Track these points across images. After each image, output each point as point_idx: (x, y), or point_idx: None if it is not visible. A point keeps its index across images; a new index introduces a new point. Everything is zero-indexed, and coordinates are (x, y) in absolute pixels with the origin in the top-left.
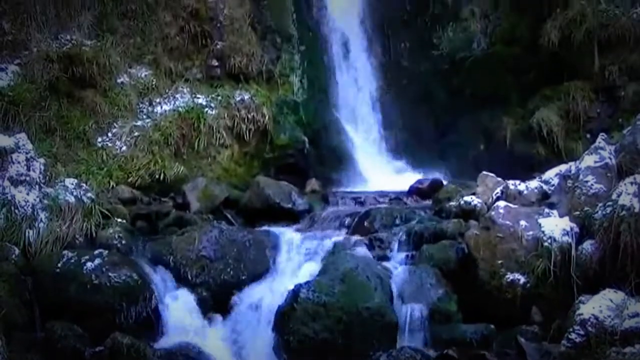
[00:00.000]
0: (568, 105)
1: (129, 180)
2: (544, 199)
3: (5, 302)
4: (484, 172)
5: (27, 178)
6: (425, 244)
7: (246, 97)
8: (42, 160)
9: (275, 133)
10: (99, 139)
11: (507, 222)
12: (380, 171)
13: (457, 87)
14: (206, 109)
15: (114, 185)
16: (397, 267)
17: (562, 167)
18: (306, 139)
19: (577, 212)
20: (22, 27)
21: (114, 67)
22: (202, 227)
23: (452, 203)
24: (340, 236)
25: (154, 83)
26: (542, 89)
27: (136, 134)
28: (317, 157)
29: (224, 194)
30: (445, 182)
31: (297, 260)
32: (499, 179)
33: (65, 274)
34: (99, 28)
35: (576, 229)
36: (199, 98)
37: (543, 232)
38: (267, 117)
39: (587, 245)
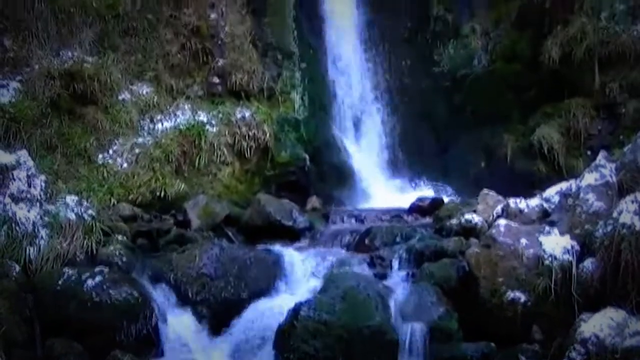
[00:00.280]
0: (569, 123)
1: (130, 197)
2: (544, 217)
3: (5, 319)
4: (485, 190)
5: (28, 195)
6: (426, 262)
7: (247, 114)
8: (43, 177)
9: (276, 150)
10: (100, 156)
11: (508, 240)
12: (381, 188)
13: (458, 104)
14: (207, 126)
15: (115, 203)
16: (398, 285)
17: (563, 185)
18: (307, 156)
19: (578, 230)
20: (23, 44)
21: (115, 84)
22: (203, 244)
23: (453, 221)
24: (341, 254)
25: (155, 100)
26: (542, 106)
27: (137, 151)
28: (318, 175)
29: (224, 211)
30: (446, 200)
31: (298, 278)
32: (500, 196)
33: (65, 292)
34: (100, 45)
35: (577, 247)
36: (200, 115)
37: (544, 250)
38: (268, 134)
39: (588, 263)
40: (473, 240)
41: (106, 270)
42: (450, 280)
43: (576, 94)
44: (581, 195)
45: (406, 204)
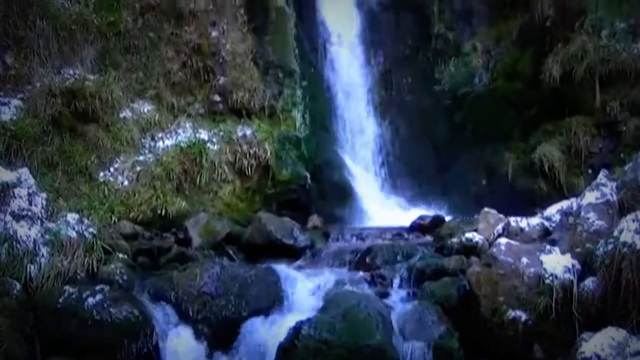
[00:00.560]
0: (570, 141)
1: (131, 215)
2: (545, 236)
3: (6, 336)
4: (486, 209)
5: (29, 213)
6: (427, 281)
7: (248, 132)
8: (44, 195)
9: (277, 168)
10: (101, 174)
11: (509, 259)
12: (382, 207)
13: (459, 122)
14: (208, 144)
15: (116, 221)
16: (399, 303)
17: (564, 204)
18: (308, 175)
19: (579, 249)
20: (25, 62)
21: (117, 101)
22: (204, 263)
23: (454, 239)
24: (341, 273)
25: (156, 118)
26: (543, 124)
27: (138, 169)
28: (319, 193)
29: (225, 229)
30: (447, 218)
31: (298, 296)
32: (501, 215)
33: (66, 310)
34: (101, 63)
35: (578, 266)
36: (201, 133)
37: (544, 269)
38: (269, 153)
39: (589, 282)
40: (474, 259)
41: (107, 288)
42: (451, 299)
43: (577, 112)
44: (582, 213)
45: (407, 222)
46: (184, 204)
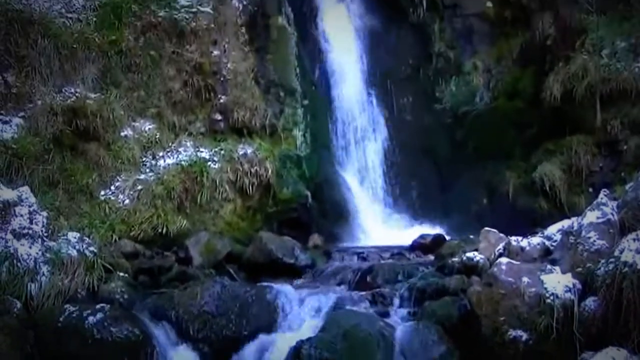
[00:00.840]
0: (570, 160)
1: (132, 234)
2: (546, 255)
3: (6, 355)
4: (487, 228)
5: (30, 231)
6: (428, 300)
7: (249, 151)
8: (44, 213)
9: (278, 187)
10: (102, 192)
11: (510, 279)
12: (383, 226)
13: (460, 141)
14: (209, 163)
15: (117, 239)
16: (400, 323)
17: (565, 223)
18: (309, 193)
19: (580, 269)
20: (26, 80)
21: (118, 120)
22: (205, 282)
23: (455, 259)
24: (342, 292)
25: (157, 136)
26: (544, 143)
27: (139, 187)
28: (319, 212)
29: (226, 248)
30: (447, 237)
31: (299, 316)
32: (502, 234)
33: (66, 328)
34: (103, 81)
35: (579, 286)
36: (202, 152)
37: (545, 288)
38: (270, 171)
39: (590, 302)
40: (475, 278)
41: (107, 307)
42: (451, 319)
43: (578, 131)
44: (583, 233)
45: (408, 241)
46: (184, 222)
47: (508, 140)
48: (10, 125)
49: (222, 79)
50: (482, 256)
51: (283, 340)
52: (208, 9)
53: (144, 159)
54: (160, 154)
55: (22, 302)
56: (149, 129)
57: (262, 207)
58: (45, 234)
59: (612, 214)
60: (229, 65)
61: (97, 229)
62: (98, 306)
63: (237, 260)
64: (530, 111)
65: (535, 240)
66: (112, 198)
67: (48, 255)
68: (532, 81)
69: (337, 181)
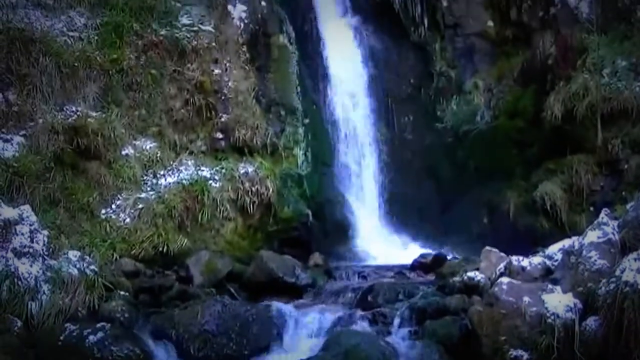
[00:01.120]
0: (571, 179)
1: (133, 252)
2: (547, 275)
3: None
4: (488, 248)
5: (31, 250)
6: (429, 320)
7: (250, 169)
8: (45, 232)
9: (279, 206)
10: (103, 211)
11: (511, 299)
12: (383, 245)
13: (461, 160)
14: (210, 182)
15: (118, 258)
16: (400, 342)
17: (566, 242)
18: (310, 212)
19: (581, 288)
20: (27, 99)
21: (119, 139)
22: (205, 301)
23: (456, 278)
24: (343, 311)
25: (158, 155)
26: (545, 162)
27: (140, 206)
28: (320, 231)
29: (227, 267)
30: (448, 257)
31: (300, 335)
32: (502, 254)
33: (67, 347)
34: (104, 100)
35: (580, 305)
36: (203, 170)
37: (546, 308)
38: (271, 190)
39: (591, 321)
40: (476, 298)
41: (108, 326)
42: (452, 338)
43: (579, 150)
44: (584, 253)
45: (409, 261)
46: (185, 241)
47: (509, 160)
48: (12, 144)
49: (223, 97)
50: (483, 276)
51: None
52: (209, 28)
53: (144, 178)
54: (161, 172)
55: (22, 320)
56: (150, 147)
57: (263, 226)
58: (46, 253)
59: (613, 233)
60: (230, 84)
61: (98, 247)
62: (99, 325)
63: (238, 279)
64: (531, 130)
65: (536, 259)
66: (113, 217)
67: (49, 273)
68: (533, 100)
69: (338, 200)
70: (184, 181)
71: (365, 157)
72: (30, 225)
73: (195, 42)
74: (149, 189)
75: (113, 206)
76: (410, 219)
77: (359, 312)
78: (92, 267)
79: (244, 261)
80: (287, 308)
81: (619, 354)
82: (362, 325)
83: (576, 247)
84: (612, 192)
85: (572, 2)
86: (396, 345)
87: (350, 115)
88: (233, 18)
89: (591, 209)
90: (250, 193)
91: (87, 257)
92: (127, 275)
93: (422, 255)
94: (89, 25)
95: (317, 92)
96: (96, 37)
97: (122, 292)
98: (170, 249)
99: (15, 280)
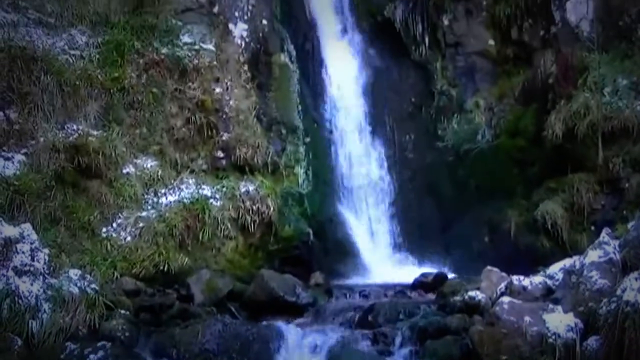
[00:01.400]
0: (572, 198)
1: (133, 271)
2: (548, 294)
3: None
4: (489, 267)
5: (31, 268)
6: (429, 339)
7: (251, 188)
8: (46, 250)
9: (280, 225)
10: (104, 230)
11: (512, 318)
12: (384, 263)
13: (462, 179)
14: (211, 200)
15: (118, 276)
16: None
17: (567, 262)
18: (311, 231)
19: (582, 308)
20: (29, 117)
21: (120, 157)
22: (206, 320)
23: (457, 298)
24: (344, 331)
25: (159, 174)
26: (546, 181)
27: (141, 224)
28: (321, 249)
29: (227, 286)
30: (449, 276)
31: (301, 355)
32: (503, 274)
33: None
34: (105, 118)
35: (581, 325)
36: (204, 189)
37: (547, 328)
38: (272, 209)
39: (592, 341)
40: (477, 317)
41: (109, 345)
42: (453, 358)
43: (580, 169)
44: (585, 272)
45: (410, 279)
46: (186, 260)
47: (510, 178)
48: (13, 162)
49: (224, 116)
50: (483, 295)
51: None
52: (210, 47)
53: (145, 196)
54: (162, 191)
55: (23, 339)
56: (151, 166)
57: (264, 244)
58: (47, 271)
59: (614, 253)
60: (231, 103)
61: (99, 266)
62: (99, 344)
63: (238, 298)
64: (532, 149)
65: (537, 279)
66: (114, 235)
67: (49, 292)
68: (534, 119)
69: (339, 219)
70: (184, 200)
71: (367, 175)
72: (31, 243)
73: (197, 61)
74: (149, 207)
75: (114, 225)
76: (411, 238)
77: (360, 332)
78: (93, 285)
79: (245, 280)
80: (288, 327)
81: None
82: (363, 345)
83: (577, 267)
84: (613, 211)
85: (572, 21)
86: None
87: (351, 134)
88: (234, 37)
89: (592, 228)
90: (251, 212)
91: (88, 276)
92: (128, 293)
93: (423, 275)
94: (91, 43)
95: (318, 110)
96: (97, 56)
97: (122, 311)
98: (171, 268)
99: (16, 298)
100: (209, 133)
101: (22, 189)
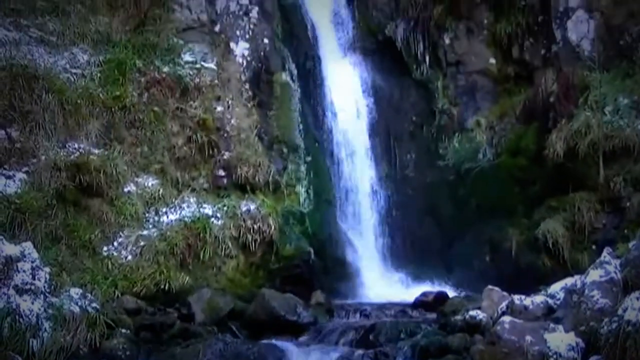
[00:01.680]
0: (573, 217)
1: (134, 290)
2: (549, 314)
3: None
4: (489, 286)
5: (32, 287)
6: (431, 359)
7: (252, 207)
8: (47, 269)
9: (281, 244)
10: (105, 248)
11: (513, 337)
12: (385, 282)
13: (463, 198)
14: (212, 219)
15: (119, 295)
16: None
17: (568, 281)
18: (312, 250)
19: (583, 327)
20: (30, 135)
21: (121, 176)
22: (207, 339)
23: (458, 317)
24: (345, 350)
25: (160, 192)
26: (547, 199)
27: (142, 243)
28: (322, 268)
29: (228, 305)
30: (450, 294)
31: None
32: (505, 293)
33: None
34: (106, 137)
35: (582, 345)
36: (205, 208)
37: (549, 347)
38: (273, 228)
39: None
40: (478, 336)
41: None
42: None
43: (581, 187)
44: (586, 291)
45: (411, 298)
46: (187, 279)
47: (511, 197)
48: (14, 180)
49: (225, 135)
50: (485, 314)
51: None
52: (212, 65)
53: (146, 215)
54: (163, 209)
55: (23, 358)
56: (152, 184)
57: (265, 263)
58: (48, 290)
59: (615, 272)
60: (232, 122)
61: (100, 284)
62: None
63: (239, 317)
64: (533, 168)
65: (539, 298)
66: (115, 254)
67: (50, 311)
68: (535, 138)
69: (340, 238)
70: (185, 218)
71: (368, 194)
72: (32, 262)
73: (198, 80)
74: (151, 226)
75: (115, 243)
76: (412, 257)
77: (361, 351)
78: (94, 304)
79: (246, 299)
80: (289, 347)
81: None
82: None
83: (578, 286)
84: (614, 230)
85: (573, 39)
86: None
87: (352, 153)
88: (235, 55)
89: (593, 247)
90: (252, 231)
91: (89, 295)
92: (129, 312)
93: (424, 294)
94: (92, 62)
95: (319, 129)
96: (99, 74)
97: (123, 330)
98: (172, 287)
99: (17, 317)
100: (210, 152)
101: (23, 208)
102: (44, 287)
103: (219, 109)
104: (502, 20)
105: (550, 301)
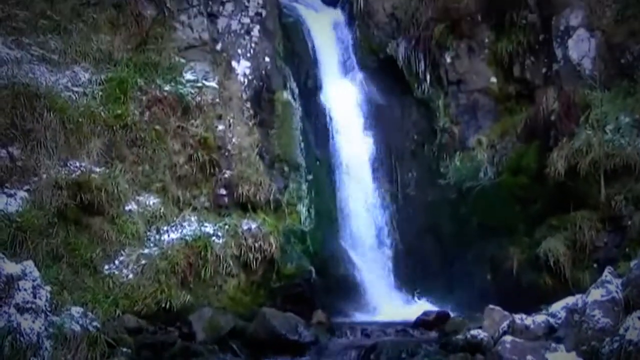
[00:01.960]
0: (575, 235)
1: (135, 308)
2: (550, 333)
3: None
4: (491, 306)
5: (33, 306)
6: None
7: (253, 226)
8: (48, 287)
9: (282, 262)
10: (106, 267)
11: (514, 357)
12: (386, 301)
13: (464, 217)
14: (213, 238)
15: (120, 314)
16: None
17: (569, 300)
18: (313, 269)
19: (584, 347)
20: (31, 154)
21: (123, 194)
22: (208, 358)
23: (459, 336)
24: None
25: (161, 211)
26: (548, 218)
27: (143, 262)
28: (323, 287)
29: (229, 324)
30: (451, 314)
31: None
32: (506, 312)
33: None
34: (108, 155)
35: None
36: (206, 227)
37: None
38: (274, 246)
39: None
40: (479, 356)
41: None
42: None
43: (582, 206)
44: (587, 311)
45: (412, 317)
46: (188, 297)
47: (512, 216)
48: (15, 199)
49: (226, 153)
50: (486, 334)
51: None
52: (213, 84)
53: (148, 234)
54: (165, 228)
55: None
56: (154, 203)
57: (266, 282)
58: (49, 309)
59: (616, 291)
60: (233, 140)
61: (101, 303)
62: None
63: (240, 336)
64: (534, 187)
65: (540, 318)
66: (116, 272)
67: (51, 330)
68: (536, 157)
69: (341, 257)
70: (187, 237)
71: (369, 213)
72: (33, 280)
73: (199, 98)
74: (152, 244)
75: (116, 262)
76: (413, 275)
77: None
78: (95, 323)
79: (247, 318)
80: None
81: None
82: None
83: (580, 305)
84: (615, 248)
85: (574, 58)
86: None
87: (353, 171)
88: (237, 74)
89: (595, 265)
90: (253, 249)
91: (90, 313)
92: (130, 331)
93: (425, 313)
94: (94, 80)
95: (320, 148)
96: (100, 93)
97: (124, 349)
98: (173, 305)
99: (18, 336)
100: (212, 170)
101: (24, 226)
102: (45, 305)
103: (220, 127)
104: (503, 39)
105: (551, 320)
